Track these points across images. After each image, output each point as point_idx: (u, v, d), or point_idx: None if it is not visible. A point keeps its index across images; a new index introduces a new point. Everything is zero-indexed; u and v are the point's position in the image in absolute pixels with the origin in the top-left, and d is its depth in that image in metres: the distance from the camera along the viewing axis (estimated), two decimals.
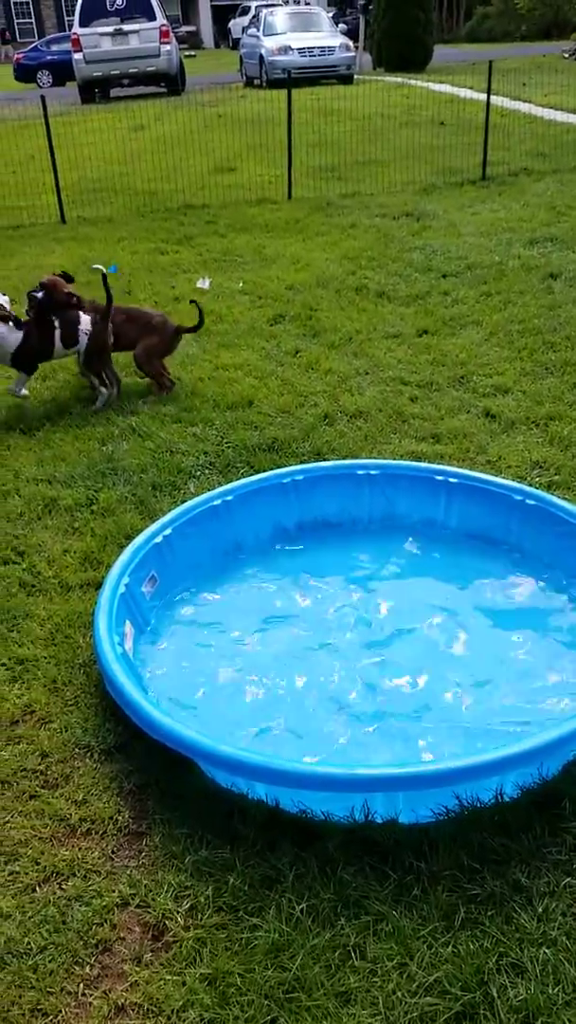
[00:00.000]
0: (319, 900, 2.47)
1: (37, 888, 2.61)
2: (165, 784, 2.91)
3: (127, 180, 12.78)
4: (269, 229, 9.96)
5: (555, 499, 4.02)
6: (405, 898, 2.45)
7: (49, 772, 3.01)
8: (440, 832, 2.60)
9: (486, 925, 2.36)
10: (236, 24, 44.53)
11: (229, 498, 4.23)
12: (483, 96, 12.69)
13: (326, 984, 2.27)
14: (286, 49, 22.96)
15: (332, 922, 2.42)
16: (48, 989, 2.32)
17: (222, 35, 54.20)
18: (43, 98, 11.33)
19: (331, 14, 32.53)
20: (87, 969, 2.38)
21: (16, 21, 59.41)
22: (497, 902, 2.42)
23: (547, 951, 2.28)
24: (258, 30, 25.14)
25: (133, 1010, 2.29)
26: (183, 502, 4.27)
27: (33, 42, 40.94)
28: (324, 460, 4.74)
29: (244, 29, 28.82)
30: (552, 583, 3.82)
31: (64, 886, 2.61)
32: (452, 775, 2.55)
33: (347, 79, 22.93)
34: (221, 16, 55.03)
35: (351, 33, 29.42)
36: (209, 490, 4.34)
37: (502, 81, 14.55)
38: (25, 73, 33.92)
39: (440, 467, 4.44)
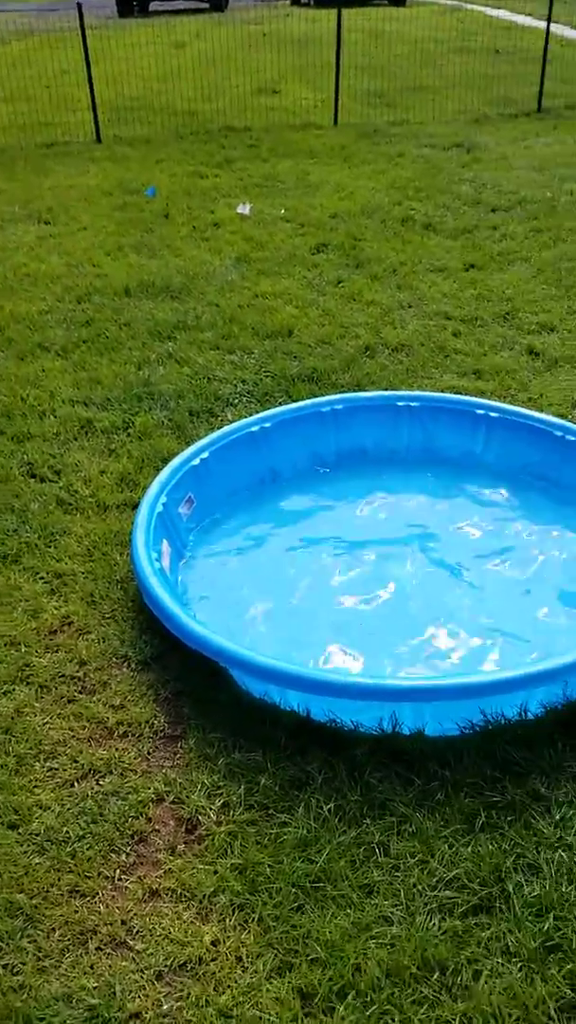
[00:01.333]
0: (346, 801, 2.59)
1: (75, 784, 2.74)
2: (200, 692, 3.03)
3: (166, 99, 12.46)
4: (313, 155, 9.73)
5: None
6: (428, 802, 2.57)
7: (87, 679, 3.13)
8: (465, 744, 2.70)
9: (505, 829, 2.48)
10: None
11: (267, 425, 4.27)
12: (543, 23, 12.11)
13: (351, 877, 2.40)
14: None
15: (358, 821, 2.54)
16: (86, 873, 2.47)
17: None
18: (79, 6, 10.82)
19: None
20: (123, 857, 2.52)
21: None
22: (516, 809, 2.53)
23: (563, 854, 2.39)
24: None
25: (167, 894, 2.44)
26: (220, 429, 4.31)
27: None
28: (364, 392, 4.74)
29: None
30: None
31: (101, 782, 2.74)
32: (478, 688, 2.63)
33: (399, 0, 21.95)
34: None
35: None
36: (247, 418, 4.37)
37: (564, 8, 13.85)
38: None
39: (480, 400, 4.42)
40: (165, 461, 4.16)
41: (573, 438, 4.00)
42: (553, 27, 11.76)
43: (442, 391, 4.79)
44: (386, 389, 4.82)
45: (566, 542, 3.76)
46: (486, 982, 2.14)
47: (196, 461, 3.99)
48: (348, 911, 2.33)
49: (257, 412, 4.50)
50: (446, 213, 7.62)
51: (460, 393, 4.73)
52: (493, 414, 4.27)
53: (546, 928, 2.23)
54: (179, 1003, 2.19)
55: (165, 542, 3.65)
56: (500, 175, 8.55)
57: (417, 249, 6.86)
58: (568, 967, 2.14)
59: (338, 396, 4.51)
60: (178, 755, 2.84)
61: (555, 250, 6.68)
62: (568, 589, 3.49)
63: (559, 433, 4.05)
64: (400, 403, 4.42)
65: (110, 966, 2.26)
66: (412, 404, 4.41)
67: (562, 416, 4.43)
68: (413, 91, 12.49)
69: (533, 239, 6.94)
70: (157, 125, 11.27)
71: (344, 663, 3.14)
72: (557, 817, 2.50)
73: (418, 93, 12.35)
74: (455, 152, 9.52)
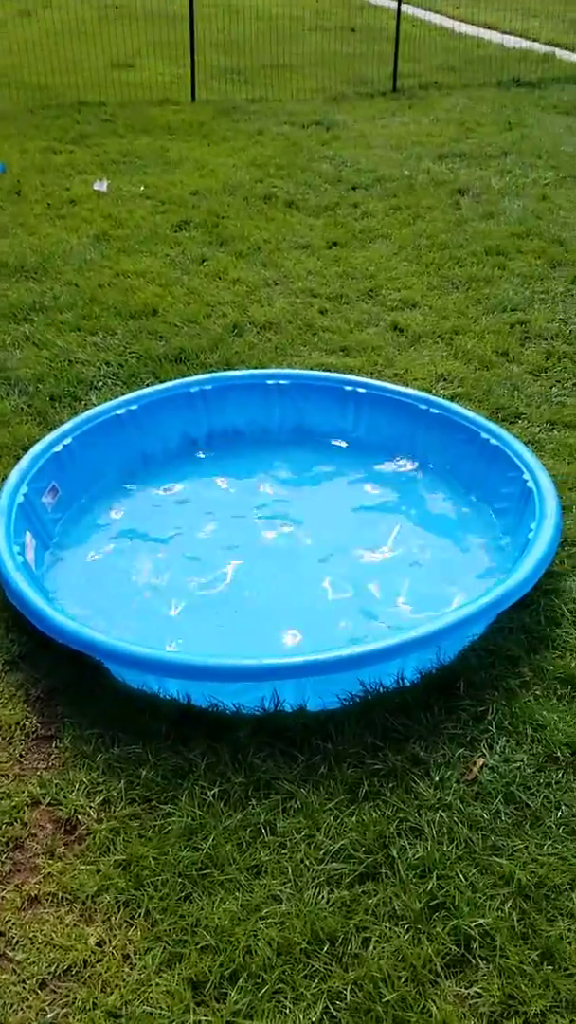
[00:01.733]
0: (231, 784, 2.56)
1: None
2: (75, 689, 2.92)
3: (15, 73, 11.83)
4: (172, 131, 9.51)
5: (458, 408, 4.12)
6: (312, 776, 2.58)
7: None
8: (346, 715, 2.73)
9: (387, 796, 2.52)
10: None
11: (134, 407, 4.14)
12: (394, 3, 12.31)
13: (238, 860, 2.38)
14: None
15: (243, 803, 2.52)
16: None
17: None
18: None
19: None
20: None
21: None
22: (398, 775, 2.58)
23: (443, 814, 2.46)
24: None
25: (47, 899, 2.34)
26: (84, 413, 4.14)
27: None
28: (233, 371, 4.68)
29: None
30: (452, 488, 3.95)
31: None
32: (357, 660, 2.66)
33: None
34: None
35: None
36: (112, 400, 4.22)
37: None
38: None
39: (349, 377, 4.46)
40: (26, 449, 3.96)
41: (437, 411, 4.10)
42: (404, 7, 11.97)
43: (311, 369, 4.80)
44: (256, 368, 4.79)
45: (432, 514, 3.85)
46: (375, 948, 2.17)
47: (59, 448, 3.83)
48: (237, 894, 2.30)
49: (123, 395, 4.35)
50: (308, 191, 7.63)
51: (329, 370, 4.75)
52: (361, 390, 4.32)
53: (430, 888, 2.28)
54: (65, 1010, 2.11)
55: (28, 534, 3.48)
56: (359, 153, 8.65)
57: (280, 227, 6.84)
58: (452, 923, 2.20)
59: (207, 376, 4.43)
60: (53, 755, 2.73)
61: (414, 227, 6.82)
62: (437, 558, 3.58)
63: (423, 407, 4.13)
64: (270, 381, 4.39)
65: None
66: (282, 382, 4.39)
67: (427, 390, 4.53)
68: (271, 68, 12.42)
69: (393, 216, 7.06)
70: (5, 99, 10.68)
71: (221, 647, 3.09)
72: (436, 779, 2.56)
73: (276, 71, 12.29)
74: (314, 130, 9.55)
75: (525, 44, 13.62)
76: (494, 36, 14.50)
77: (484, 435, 3.87)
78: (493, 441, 3.81)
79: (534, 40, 14.01)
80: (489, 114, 10.08)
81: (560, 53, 13.10)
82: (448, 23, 15.81)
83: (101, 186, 7.64)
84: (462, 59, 12.86)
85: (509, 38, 13.99)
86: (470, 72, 12.20)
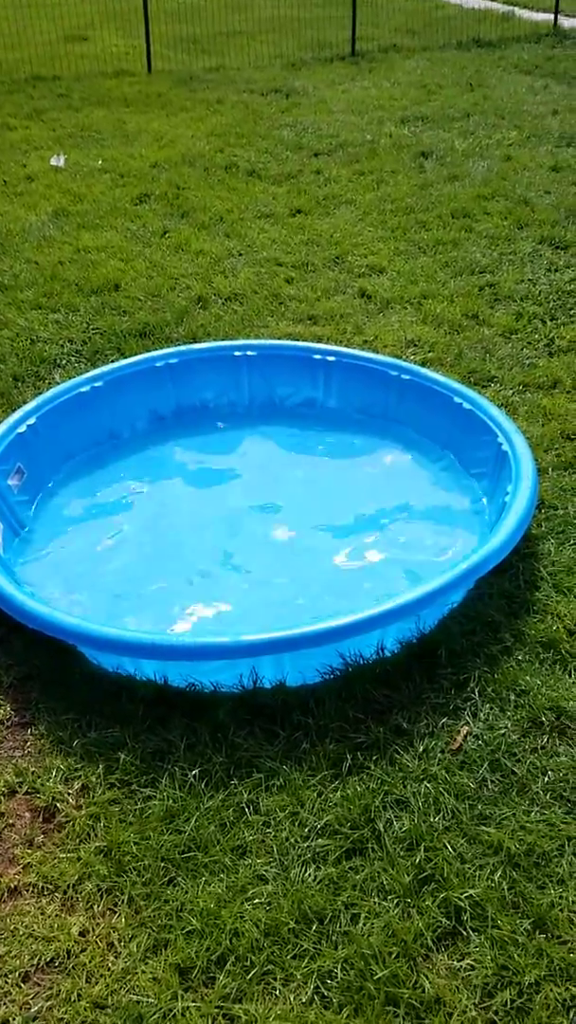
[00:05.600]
0: (211, 765, 2.50)
1: None
2: (49, 674, 2.84)
3: None
4: (129, 103, 9.26)
5: (430, 373, 4.04)
6: (295, 753, 2.52)
7: None
8: (326, 689, 2.67)
9: (371, 769, 2.47)
10: None
11: (99, 384, 4.03)
12: None
13: (222, 841, 2.32)
14: None
15: (225, 783, 2.46)
16: None
17: None
18: None
19: None
20: None
21: None
22: (381, 747, 2.53)
23: (428, 785, 2.41)
24: None
25: (27, 890, 2.27)
26: (48, 391, 4.02)
27: None
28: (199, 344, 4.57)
29: None
30: (426, 454, 3.89)
31: None
32: (335, 633, 2.60)
33: None
34: None
35: None
36: (76, 378, 4.10)
37: None
38: None
39: (318, 346, 4.36)
40: None
41: (409, 377, 4.02)
42: None
43: (279, 339, 4.69)
44: (222, 340, 4.67)
45: (408, 482, 3.79)
46: (364, 924, 2.12)
47: (22, 428, 3.71)
48: (222, 876, 2.25)
49: (87, 372, 4.23)
50: (269, 159, 7.47)
51: (297, 340, 4.65)
52: (331, 359, 4.22)
53: (418, 861, 2.23)
54: (49, 1002, 2.05)
55: None
56: (320, 119, 8.48)
57: (243, 196, 6.68)
58: (441, 895, 2.16)
59: (173, 349, 4.32)
60: (28, 743, 2.66)
61: (378, 192, 6.70)
62: (415, 526, 3.53)
63: (394, 373, 4.05)
64: (237, 353, 4.29)
65: None
66: (250, 353, 4.29)
67: (397, 356, 4.45)
68: (227, 36, 12.14)
69: (356, 182, 6.93)
70: None
71: (196, 626, 3.02)
72: (420, 749, 2.51)
73: (232, 38, 12.02)
74: (274, 97, 9.35)
75: (484, 4, 13.42)
76: None
77: (457, 399, 3.80)
78: (467, 405, 3.75)
79: (493, 0, 13.81)
80: (450, 76, 9.93)
81: (519, 12, 12.93)
82: None
83: (58, 161, 7.43)
84: (421, 21, 12.65)
85: None
86: (430, 34, 12.01)
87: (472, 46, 11.37)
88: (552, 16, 12.11)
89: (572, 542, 3.29)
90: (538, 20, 12.35)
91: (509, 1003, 1.98)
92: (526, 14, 12.83)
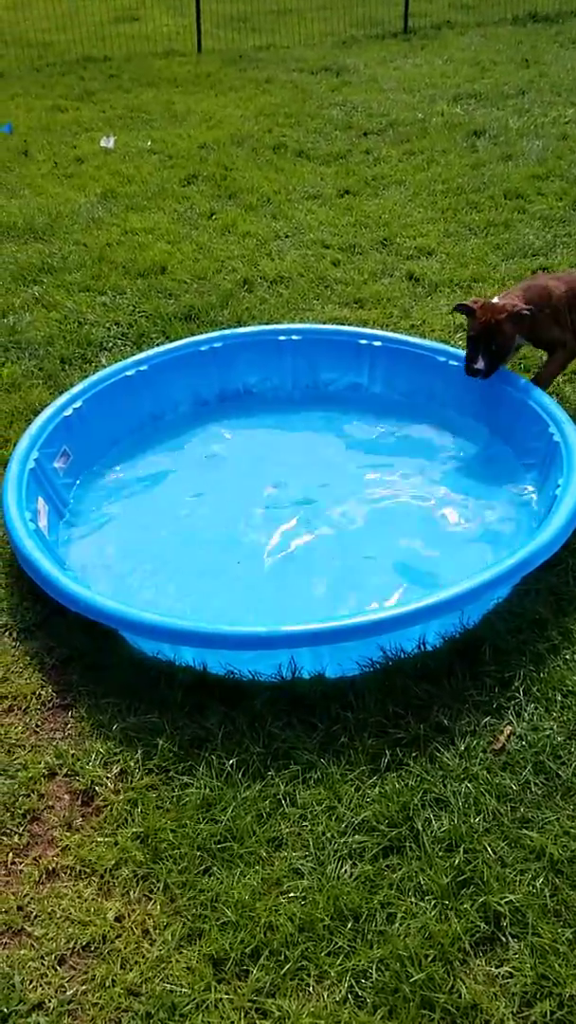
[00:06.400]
0: (248, 755, 2.48)
1: None
2: (90, 658, 2.85)
3: (16, 29, 11.53)
4: (178, 84, 9.20)
5: None
6: (333, 746, 2.49)
7: None
8: (366, 683, 2.63)
9: (411, 766, 2.42)
10: None
11: (144, 368, 4.01)
12: None
13: (258, 832, 2.30)
14: None
15: (262, 774, 2.44)
16: None
17: None
18: None
19: None
20: (15, 839, 2.35)
21: None
22: (421, 744, 2.48)
23: (468, 785, 2.36)
24: None
25: (65, 873, 2.29)
26: (94, 375, 4.02)
27: None
28: (244, 327, 4.52)
29: None
30: (475, 443, 3.79)
31: None
32: (376, 626, 2.55)
33: None
34: None
35: None
36: (122, 361, 4.09)
37: None
38: None
39: (363, 330, 4.29)
40: (36, 414, 3.86)
41: (456, 363, 3.92)
42: None
43: (324, 323, 4.62)
44: (267, 323, 4.62)
45: (456, 470, 3.70)
46: (400, 925, 2.09)
47: (69, 411, 3.72)
48: (257, 868, 2.23)
49: (133, 355, 4.22)
50: (318, 139, 7.36)
51: (343, 324, 4.58)
52: (377, 343, 4.15)
53: (457, 863, 2.19)
54: (84, 987, 2.06)
55: (41, 500, 3.39)
56: (370, 98, 8.32)
57: (290, 177, 6.59)
58: (480, 899, 2.11)
59: (217, 333, 4.28)
60: (69, 725, 2.67)
61: (428, 172, 6.55)
62: (464, 515, 3.45)
63: (442, 359, 3.96)
64: (282, 337, 4.23)
65: (7, 956, 2.11)
66: (294, 337, 4.23)
67: (445, 341, 4.35)
68: (277, 14, 11.97)
69: (407, 162, 6.78)
70: (9, 58, 10.41)
71: (237, 614, 2.99)
72: (461, 748, 2.46)
73: (283, 16, 11.85)
74: (324, 76, 9.20)
75: None
76: None
77: (508, 388, 3.69)
78: (517, 394, 3.64)
79: None
80: (505, 52, 9.65)
81: None
82: None
83: (108, 143, 7.43)
84: None
85: None
86: (484, 9, 11.69)
87: (528, 21, 11.03)
88: None
89: None
90: None
91: (549, 1014, 1.93)
92: None
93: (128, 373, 3.97)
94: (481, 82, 8.62)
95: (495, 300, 3.59)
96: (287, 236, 5.70)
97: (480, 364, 3.48)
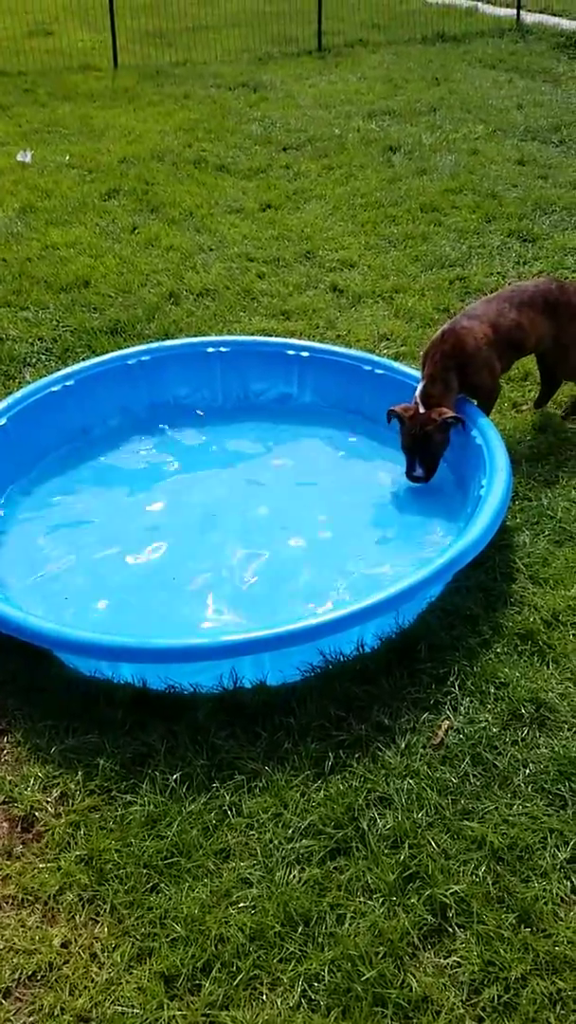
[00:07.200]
0: (192, 768, 2.47)
1: None
2: (24, 680, 2.79)
3: None
4: (95, 98, 9.15)
5: (403, 367, 4.03)
6: (277, 753, 2.50)
7: None
8: (307, 688, 2.65)
9: (354, 767, 2.45)
10: None
11: (70, 383, 3.96)
12: None
13: (205, 845, 2.29)
14: None
15: (207, 786, 2.43)
16: None
17: None
18: None
19: None
20: None
21: None
22: (363, 744, 2.51)
23: (410, 781, 2.40)
24: None
25: (7, 902, 2.23)
26: (18, 391, 3.95)
27: None
28: (171, 340, 4.52)
29: None
30: (397, 445, 3.87)
31: None
32: (315, 630, 2.57)
33: None
34: None
35: None
36: (46, 377, 4.04)
37: None
38: None
39: (291, 341, 4.33)
40: None
41: (382, 371, 4.00)
42: None
43: (252, 334, 4.66)
44: (195, 336, 4.63)
45: (381, 475, 3.77)
46: (350, 925, 2.10)
47: None
48: (205, 881, 2.22)
49: (58, 370, 4.16)
50: (238, 153, 7.42)
51: (270, 335, 4.62)
52: (305, 354, 4.20)
53: (402, 859, 2.22)
54: (31, 1018, 2.01)
55: None
56: (288, 114, 8.44)
57: (212, 191, 6.63)
58: (426, 893, 2.15)
59: (145, 347, 4.26)
60: (5, 751, 2.61)
61: (347, 187, 6.68)
62: (391, 519, 3.51)
63: (368, 368, 4.03)
64: (211, 349, 4.24)
65: None
66: (223, 349, 4.25)
67: (370, 351, 4.43)
68: (193, 31, 12.04)
69: (326, 176, 6.91)
70: None
71: (175, 626, 2.97)
72: (402, 745, 2.50)
73: (198, 32, 11.92)
74: (241, 92, 9.29)
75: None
76: None
77: None
78: None
79: None
80: (416, 70, 9.93)
81: (483, 7, 12.97)
82: None
83: (25, 157, 7.33)
84: (386, 16, 12.64)
85: None
86: (395, 29, 12.01)
87: (437, 41, 11.38)
88: (515, 11, 12.16)
89: (547, 533, 3.30)
90: (501, 15, 12.40)
91: (496, 999, 1.97)
92: (489, 9, 12.88)
93: (54, 388, 3.92)
94: (395, 99, 8.85)
95: (419, 407, 3.41)
96: (211, 249, 5.73)
97: (419, 472, 3.44)
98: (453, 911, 2.12)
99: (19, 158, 7.33)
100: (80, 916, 2.18)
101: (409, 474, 3.49)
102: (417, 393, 3.50)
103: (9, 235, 5.90)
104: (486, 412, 3.67)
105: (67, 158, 7.35)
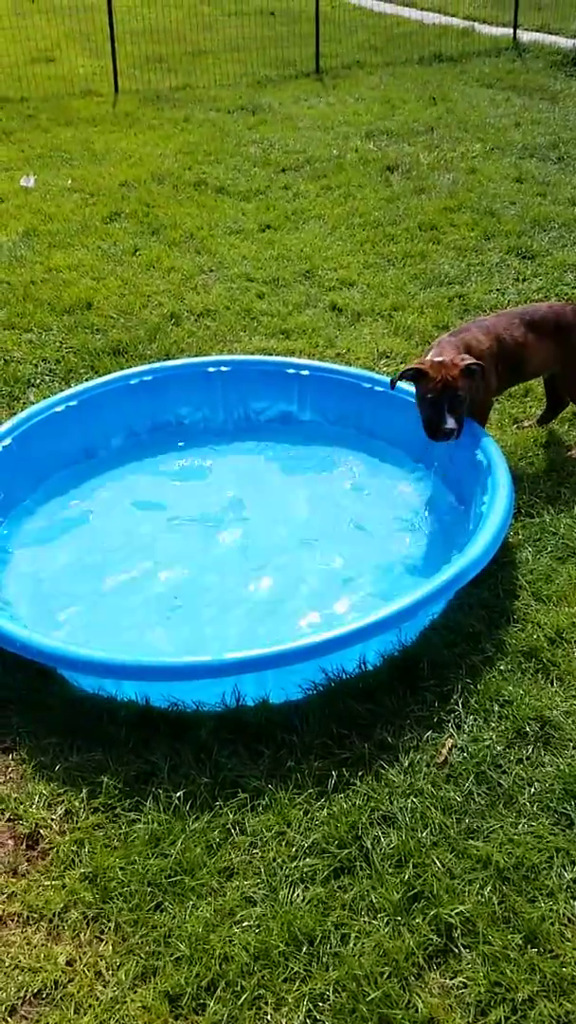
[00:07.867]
0: (196, 786, 2.47)
1: None
2: (28, 698, 2.80)
3: None
4: (96, 123, 9.27)
5: (402, 385, 4.05)
6: (280, 771, 2.50)
7: None
8: (310, 706, 2.65)
9: (357, 785, 2.45)
10: None
11: (73, 403, 4.00)
12: None
13: (208, 863, 2.29)
14: None
15: (210, 805, 2.43)
16: None
17: None
18: None
19: None
20: None
21: None
22: (366, 762, 2.51)
23: (414, 800, 2.40)
24: None
25: (12, 920, 2.23)
26: (22, 412, 3.98)
27: None
28: (173, 360, 4.56)
29: None
30: (399, 463, 3.90)
31: None
32: (317, 648, 2.58)
33: None
34: None
35: None
36: (50, 397, 4.07)
37: None
38: None
39: (291, 360, 4.37)
40: None
41: (382, 389, 4.03)
42: None
43: (252, 354, 4.70)
44: (196, 356, 4.67)
45: (384, 492, 3.79)
46: (355, 944, 2.10)
47: None
48: (209, 899, 2.22)
49: (62, 391, 4.20)
50: (238, 175, 7.51)
51: (270, 354, 4.66)
52: (305, 372, 4.23)
53: (407, 878, 2.22)
54: None
55: None
56: (287, 135, 8.54)
57: (212, 213, 6.71)
58: (432, 913, 2.14)
59: (147, 367, 4.30)
60: (10, 768, 2.61)
61: (346, 206, 6.75)
62: (394, 535, 3.53)
63: (368, 385, 4.07)
64: (212, 368, 4.28)
65: None
66: (224, 368, 4.28)
67: (369, 368, 4.47)
68: (192, 56, 12.21)
69: (324, 197, 6.98)
70: None
71: (177, 645, 2.99)
72: (405, 764, 2.50)
73: (198, 57, 12.08)
74: (240, 115, 9.41)
75: (444, 20, 13.62)
76: (413, 13, 14.48)
77: None
78: None
79: (452, 16, 14.02)
80: (413, 90, 10.05)
81: (479, 27, 13.13)
82: (366, 2, 15.74)
83: (28, 182, 7.42)
84: (383, 37, 12.81)
85: (428, 15, 13.98)
86: (392, 50, 12.16)
87: (433, 61, 11.52)
88: (511, 31, 12.32)
89: (549, 550, 3.31)
90: (497, 34, 12.55)
91: (503, 1020, 1.96)
92: (485, 29, 13.04)
93: (58, 409, 3.95)
94: (392, 119, 8.95)
95: (434, 357, 3.27)
96: (212, 270, 5.78)
97: (451, 423, 3.07)
98: (459, 931, 2.12)
99: (23, 183, 7.42)
100: (85, 934, 2.18)
101: (438, 429, 3.12)
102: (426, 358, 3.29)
103: (13, 258, 5.96)
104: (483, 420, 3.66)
105: (69, 182, 7.44)
